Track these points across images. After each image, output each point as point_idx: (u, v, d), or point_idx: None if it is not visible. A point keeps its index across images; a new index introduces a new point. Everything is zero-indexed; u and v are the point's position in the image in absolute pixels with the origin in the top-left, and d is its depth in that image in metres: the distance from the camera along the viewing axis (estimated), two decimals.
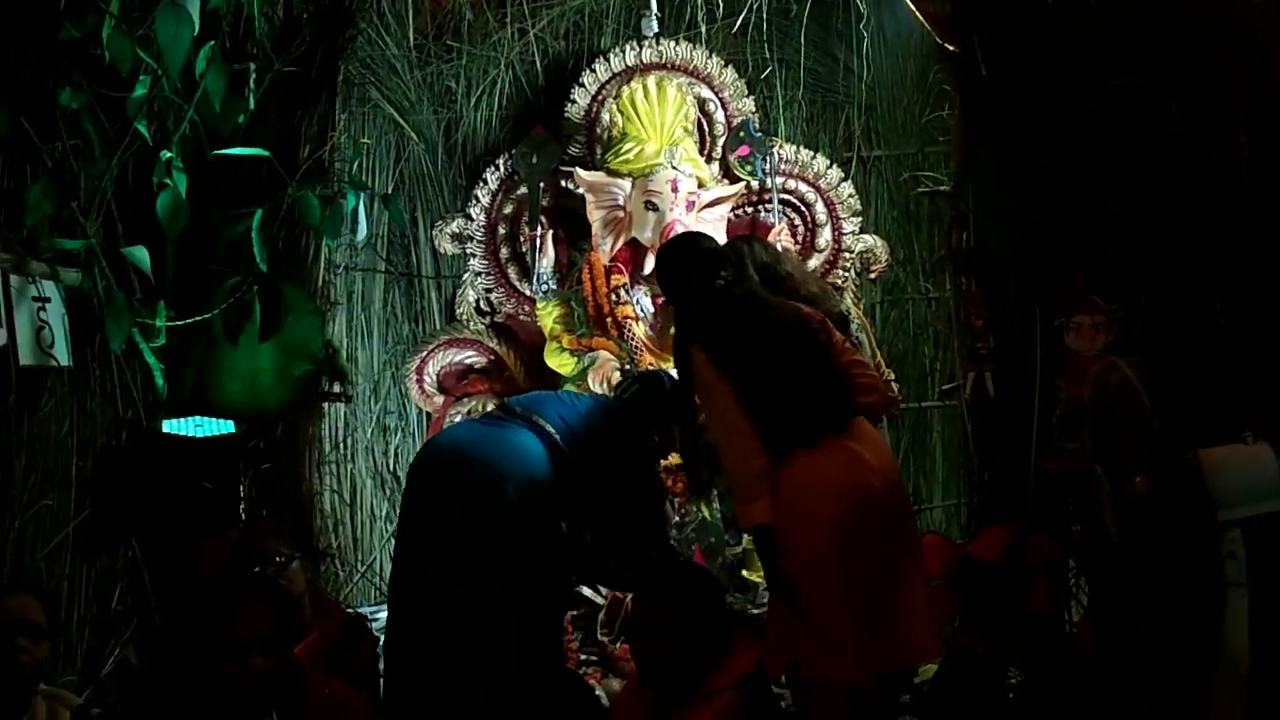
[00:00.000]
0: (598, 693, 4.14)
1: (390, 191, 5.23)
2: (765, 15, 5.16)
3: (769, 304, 3.31)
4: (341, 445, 5.27)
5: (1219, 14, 3.27)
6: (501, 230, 5.31)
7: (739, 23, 5.13)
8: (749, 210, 5.29)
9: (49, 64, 3.24)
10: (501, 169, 5.34)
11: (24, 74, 3.19)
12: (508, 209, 5.34)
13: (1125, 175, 3.56)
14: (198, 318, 3.69)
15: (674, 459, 4.77)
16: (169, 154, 3.47)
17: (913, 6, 4.28)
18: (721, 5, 5.20)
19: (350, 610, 3.56)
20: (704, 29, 5.25)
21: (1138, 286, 3.57)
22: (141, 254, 3.45)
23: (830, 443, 3.08)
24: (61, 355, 3.31)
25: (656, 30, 5.22)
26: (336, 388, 4.10)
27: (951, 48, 4.09)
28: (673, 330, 3.76)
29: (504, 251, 5.31)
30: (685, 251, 3.53)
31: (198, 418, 3.72)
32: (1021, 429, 3.77)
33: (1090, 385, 2.83)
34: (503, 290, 5.33)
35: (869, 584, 3.01)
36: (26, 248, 3.26)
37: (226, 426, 3.75)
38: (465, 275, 5.37)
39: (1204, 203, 3.31)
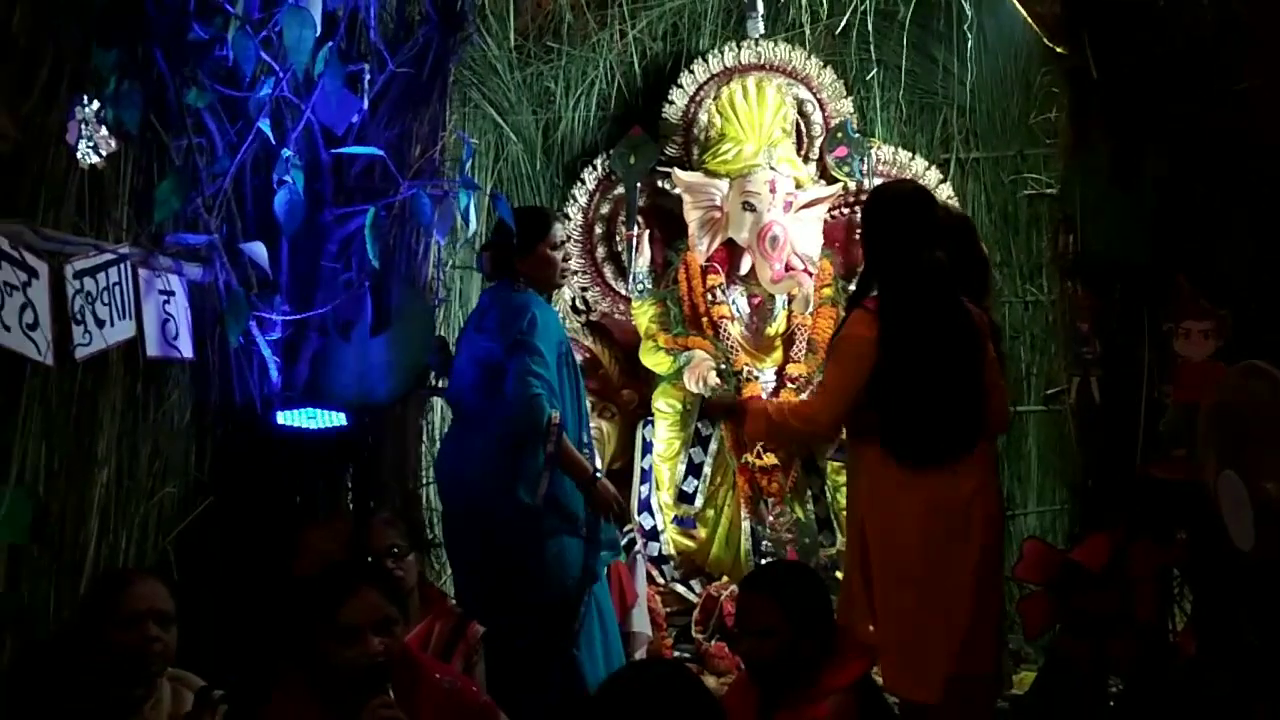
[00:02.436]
0: None
1: (490, 190, 5.29)
2: (868, 16, 5.13)
3: (958, 304, 3.29)
4: (438, 439, 5.35)
5: None
6: (598, 230, 5.37)
7: (843, 24, 5.10)
8: (845, 211, 5.29)
9: (177, 64, 3.33)
10: (599, 169, 5.41)
11: (154, 73, 3.28)
12: (604, 209, 5.39)
13: (1238, 180, 3.49)
14: (312, 312, 3.76)
15: (768, 458, 4.81)
16: (288, 152, 3.55)
17: (1020, 7, 4.23)
18: (826, 6, 5.18)
19: (455, 604, 3.61)
20: (807, 30, 5.24)
21: (1249, 293, 3.51)
22: (260, 250, 3.53)
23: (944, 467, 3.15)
24: (185, 347, 3.40)
25: (762, 31, 5.24)
26: (444, 382, 4.14)
27: (1060, 49, 4.04)
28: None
29: (600, 251, 5.37)
30: (913, 208, 3.36)
31: (310, 409, 3.79)
32: (1127, 435, 3.72)
33: (1224, 390, 2.79)
34: (598, 289, 5.39)
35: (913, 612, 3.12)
36: (153, 242, 3.35)
37: (337, 419, 3.81)
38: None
39: None
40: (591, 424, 4.26)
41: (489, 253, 3.87)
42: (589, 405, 3.94)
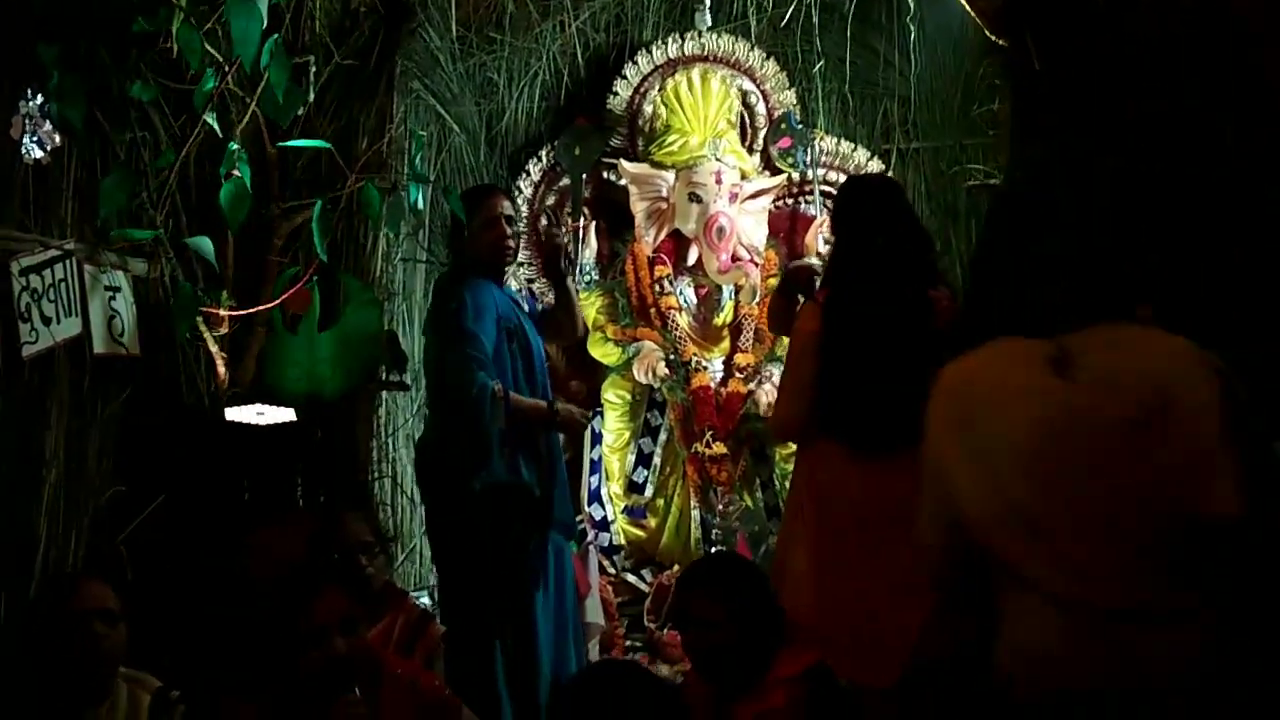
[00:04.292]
0: None
1: (434, 181, 5.27)
2: (813, 9, 5.17)
3: (907, 291, 3.28)
4: (382, 433, 5.32)
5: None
6: (544, 221, 5.37)
7: (787, 16, 5.14)
8: (790, 202, 5.34)
9: (121, 57, 3.28)
10: (544, 160, 5.40)
11: (98, 67, 3.23)
12: (550, 200, 5.40)
13: (1179, 171, 3.58)
14: (259, 307, 3.74)
15: (717, 448, 4.86)
16: (234, 146, 3.52)
17: (962, 1, 4.29)
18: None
19: (417, 600, 3.61)
20: (752, 22, 5.28)
21: (1180, 285, 3.60)
22: (205, 244, 3.50)
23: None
24: (132, 344, 3.37)
25: (710, 24, 5.27)
26: (395, 376, 4.13)
27: (1001, 41, 4.11)
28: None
29: (563, 231, 5.37)
30: (872, 199, 3.39)
31: (259, 405, 3.77)
32: None
33: None
34: (545, 280, 5.39)
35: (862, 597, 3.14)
36: (99, 238, 3.31)
37: (286, 414, 3.80)
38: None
39: (1265, 203, 3.34)
40: None
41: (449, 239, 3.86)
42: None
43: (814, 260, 4.72)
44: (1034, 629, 1.83)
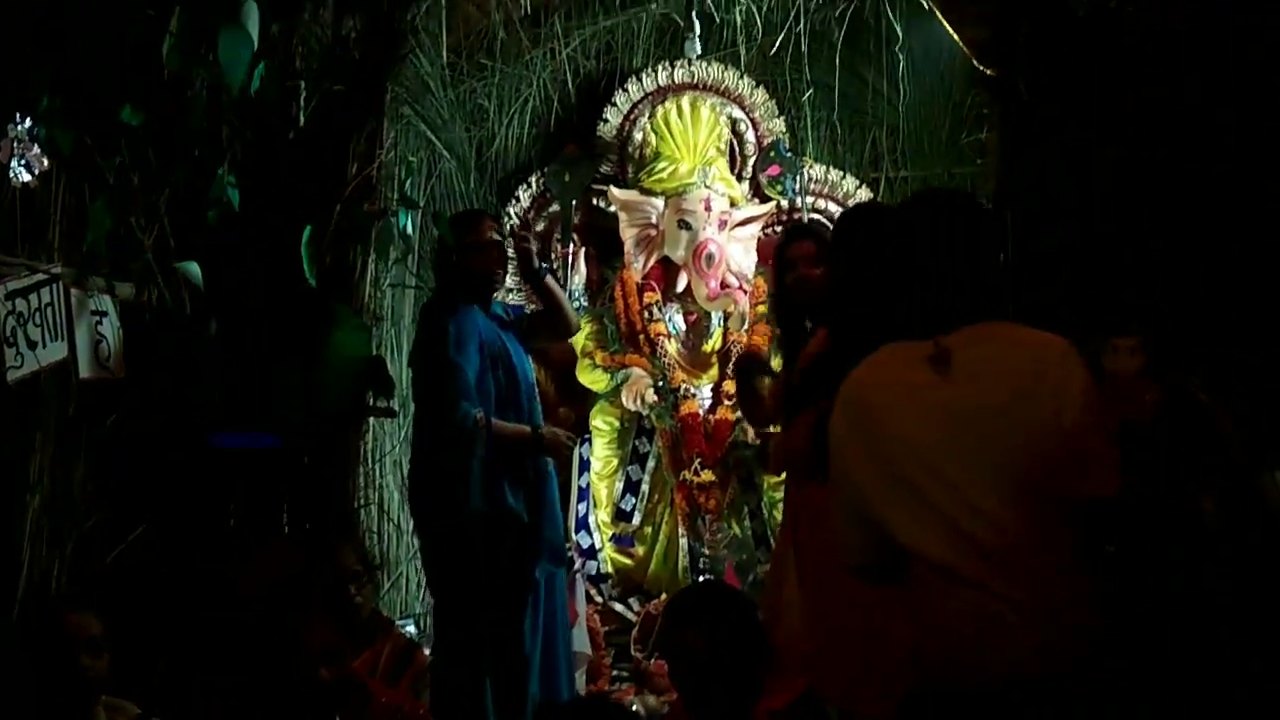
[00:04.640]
0: (635, 708, 4.18)
1: (424, 206, 5.27)
2: (803, 37, 5.20)
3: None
4: (370, 459, 5.31)
5: (1271, 40, 3.34)
6: (534, 248, 5.35)
7: (777, 45, 5.17)
8: (778, 229, 5.35)
9: (111, 81, 3.28)
10: (534, 187, 5.42)
11: (88, 91, 3.23)
12: (539, 226, 5.40)
13: (1167, 199, 3.62)
14: (247, 332, 3.73)
15: (706, 475, 4.85)
16: (223, 170, 3.52)
17: (949, 30, 4.34)
18: (760, 27, 5.24)
19: (403, 629, 3.59)
20: (741, 50, 5.31)
21: (1174, 310, 3.62)
22: (194, 269, 3.49)
23: None
24: (118, 368, 3.35)
25: (699, 52, 5.29)
26: (382, 402, 4.12)
27: (989, 71, 4.15)
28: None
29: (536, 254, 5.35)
30: (863, 225, 3.23)
31: (246, 431, 3.75)
32: None
33: (1161, 406, 2.87)
34: (526, 286, 5.38)
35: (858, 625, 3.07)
36: (86, 262, 3.30)
37: (274, 440, 3.78)
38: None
39: (1248, 228, 3.38)
40: None
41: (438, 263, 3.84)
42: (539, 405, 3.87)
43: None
44: (939, 599, 2.02)
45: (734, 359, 4.67)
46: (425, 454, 3.56)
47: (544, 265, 3.94)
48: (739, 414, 4.97)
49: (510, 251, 5.00)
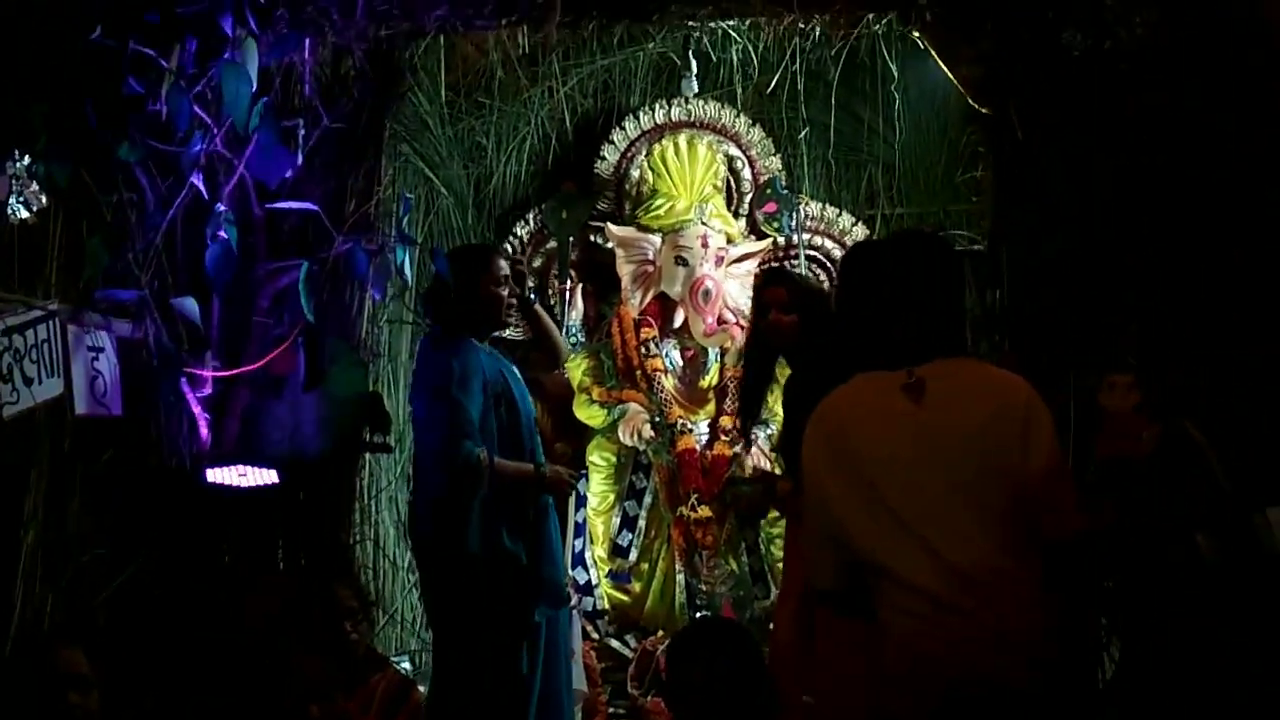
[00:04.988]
0: None
1: (421, 243, 5.29)
2: (799, 76, 5.23)
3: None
4: (365, 494, 5.30)
5: (1266, 73, 3.36)
6: (530, 283, 5.37)
7: (773, 83, 5.20)
8: (775, 266, 5.36)
9: (110, 119, 3.30)
10: (531, 223, 5.42)
11: (85, 128, 3.26)
12: (537, 263, 5.40)
13: (1161, 234, 3.63)
14: (244, 368, 3.73)
15: (703, 511, 4.84)
16: (221, 207, 3.54)
17: (944, 68, 4.36)
18: (756, 65, 5.28)
19: (398, 666, 3.57)
20: (738, 89, 5.34)
21: (1173, 347, 3.63)
22: (191, 305, 3.51)
23: None
24: (114, 404, 3.35)
25: (696, 90, 5.32)
26: (379, 438, 4.11)
27: (984, 110, 4.17)
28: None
29: (532, 295, 5.35)
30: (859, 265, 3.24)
31: (241, 467, 3.75)
32: None
33: (1154, 443, 2.88)
34: (524, 334, 5.38)
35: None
36: (82, 298, 3.31)
37: (269, 476, 3.77)
38: None
39: (1245, 264, 3.39)
40: None
41: (430, 299, 3.79)
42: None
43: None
44: (910, 618, 2.14)
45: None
46: (425, 492, 3.52)
47: (533, 292, 3.92)
48: (736, 450, 4.97)
49: None
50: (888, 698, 2.21)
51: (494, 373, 3.56)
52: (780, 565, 4.13)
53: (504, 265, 3.65)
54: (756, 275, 5.21)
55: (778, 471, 4.37)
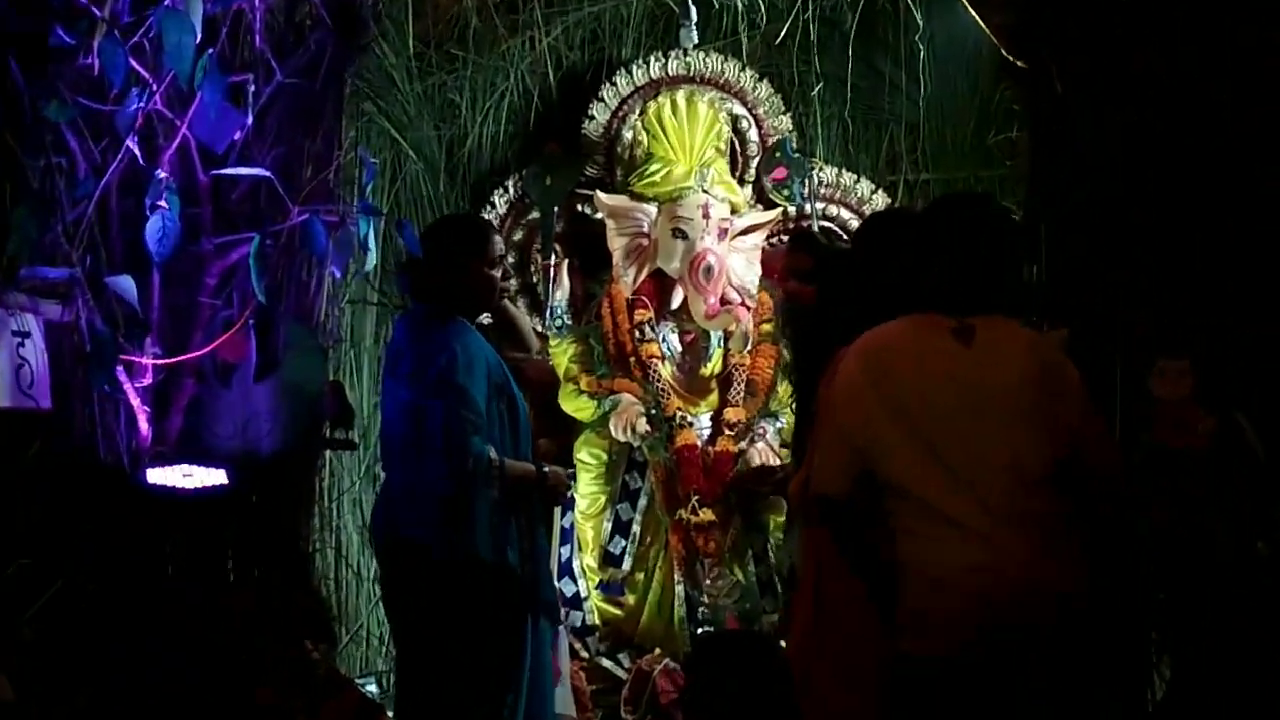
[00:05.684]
0: None
1: (387, 213, 5.27)
2: (812, 24, 5.22)
3: None
4: (326, 497, 5.29)
5: None
6: (511, 259, 5.36)
7: (783, 33, 5.18)
8: (784, 238, 5.35)
9: (35, 74, 3.28)
10: (510, 191, 5.42)
11: (8, 84, 3.24)
12: (517, 236, 5.40)
13: (1214, 202, 3.63)
14: (188, 355, 3.72)
15: (705, 515, 4.84)
16: (162, 174, 3.52)
17: (975, 17, 4.35)
18: (764, 13, 5.26)
19: (363, 687, 3.57)
20: (743, 40, 5.32)
21: (1232, 331, 3.64)
22: (128, 284, 3.48)
23: None
24: (42, 396, 3.34)
25: (696, 41, 5.30)
26: (340, 433, 4.10)
27: (1020, 63, 4.16)
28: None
29: (513, 283, 5.35)
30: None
31: (186, 466, 3.74)
32: None
33: (1210, 438, 2.92)
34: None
35: None
36: (5, 277, 3.29)
37: (217, 477, 3.77)
38: None
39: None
40: None
41: (408, 273, 3.76)
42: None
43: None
44: (938, 549, 2.49)
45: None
46: (413, 493, 3.48)
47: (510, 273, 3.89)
48: (741, 445, 4.97)
49: None
50: (907, 642, 2.53)
51: (495, 362, 3.54)
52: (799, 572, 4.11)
53: (500, 244, 3.64)
54: (773, 246, 5.21)
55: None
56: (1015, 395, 2.54)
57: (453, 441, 3.31)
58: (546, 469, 3.56)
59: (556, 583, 4.88)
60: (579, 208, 5.36)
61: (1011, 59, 4.28)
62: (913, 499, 2.53)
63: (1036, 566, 2.47)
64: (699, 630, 4.78)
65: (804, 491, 3.21)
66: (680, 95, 5.27)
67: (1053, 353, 2.68)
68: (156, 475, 3.69)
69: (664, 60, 5.31)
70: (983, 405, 2.52)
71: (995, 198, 3.13)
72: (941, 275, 2.64)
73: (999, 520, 2.47)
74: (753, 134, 5.35)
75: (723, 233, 5.08)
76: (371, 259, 3.82)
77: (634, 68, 5.33)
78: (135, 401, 3.68)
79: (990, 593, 2.46)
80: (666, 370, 5.09)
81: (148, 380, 3.70)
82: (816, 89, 5.48)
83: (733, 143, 5.37)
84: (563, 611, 4.84)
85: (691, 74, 5.30)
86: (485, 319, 4.01)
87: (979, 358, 2.55)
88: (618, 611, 5.03)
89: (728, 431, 5.00)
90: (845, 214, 5.34)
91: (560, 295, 5.25)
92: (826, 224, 5.31)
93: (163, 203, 3.47)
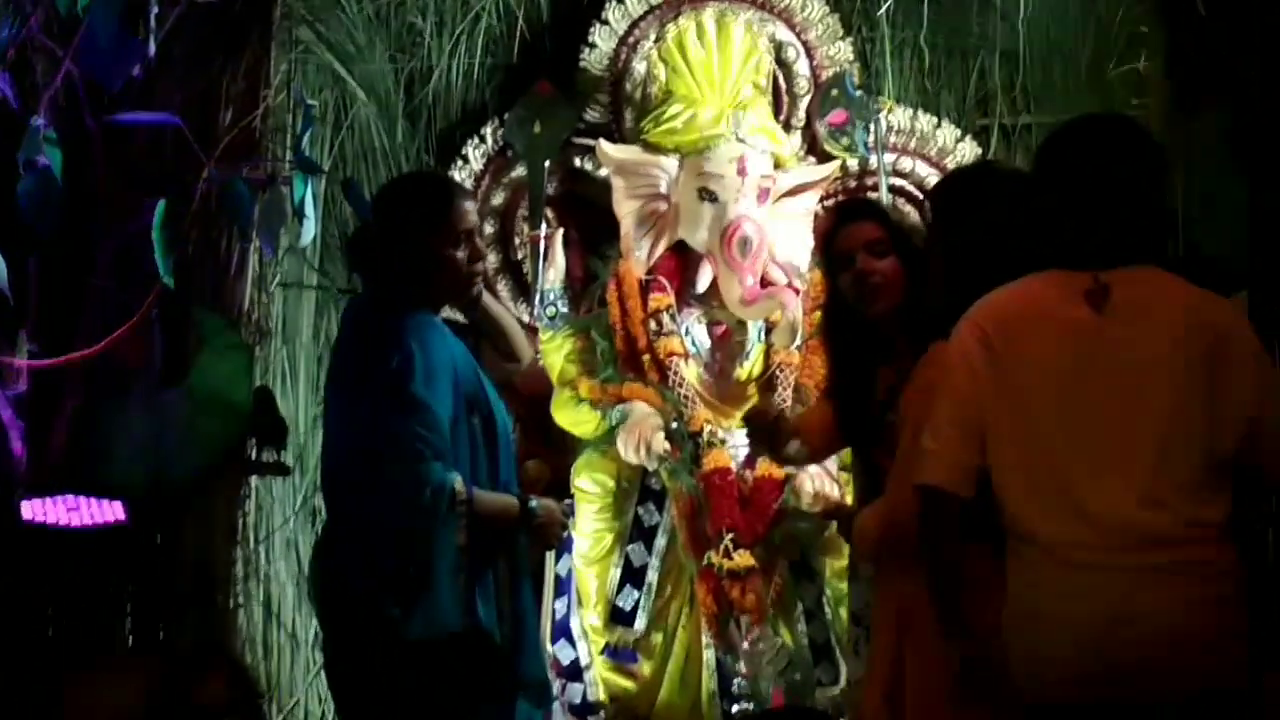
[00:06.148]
0: None
1: (329, 171, 5.29)
2: None
3: None
4: (253, 537, 5.30)
5: None
6: (489, 229, 5.37)
7: None
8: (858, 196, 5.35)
9: None
10: (489, 142, 5.42)
11: None
12: (497, 199, 5.42)
13: None
14: (74, 355, 3.73)
15: (741, 559, 4.83)
16: (39, 121, 3.53)
17: None
18: None
19: None
20: None
21: None
22: None
23: None
24: None
25: None
26: (270, 454, 4.11)
27: None
28: None
29: (492, 259, 5.36)
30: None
31: (71, 497, 3.76)
32: None
33: None
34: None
35: None
36: None
37: (112, 511, 3.79)
38: None
39: None
40: None
41: (358, 248, 3.77)
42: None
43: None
44: (1051, 580, 2.56)
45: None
46: (354, 533, 3.50)
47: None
48: (788, 470, 4.96)
49: None
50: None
51: (465, 362, 3.54)
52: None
53: (471, 213, 3.64)
54: (819, 215, 5.20)
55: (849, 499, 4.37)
56: (1165, 373, 2.56)
57: (405, 469, 3.32)
58: (534, 502, 3.57)
59: (551, 647, 4.91)
60: (577, 162, 5.37)
61: None
62: (1024, 515, 2.61)
63: (1182, 614, 2.49)
64: (734, 708, 4.79)
65: (885, 528, 3.24)
66: (708, 16, 5.27)
67: (1223, 314, 2.66)
68: (33, 510, 3.71)
69: None
70: (1113, 387, 2.56)
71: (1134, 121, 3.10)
72: (1070, 218, 2.68)
73: (1133, 546, 2.51)
74: (802, 66, 5.35)
75: (764, 194, 5.06)
76: (309, 230, 3.82)
77: None
78: (5, 415, 3.70)
79: (1112, 643, 2.49)
80: (692, 372, 5.08)
81: (21, 387, 3.72)
82: (885, 6, 5.47)
83: (776, 78, 5.36)
84: (557, 685, 4.85)
85: None
86: (458, 317, 4.02)
87: (1113, 327, 2.59)
88: (629, 684, 5.03)
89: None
90: (922, 169, 5.34)
91: (553, 276, 5.23)
92: (899, 180, 5.31)
93: (42, 159, 3.49)
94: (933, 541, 2.72)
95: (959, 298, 3.10)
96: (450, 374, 3.42)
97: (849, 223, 3.63)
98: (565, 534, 3.75)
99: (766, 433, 3.98)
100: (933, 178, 5.27)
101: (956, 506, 2.67)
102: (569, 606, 5.04)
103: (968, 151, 5.35)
